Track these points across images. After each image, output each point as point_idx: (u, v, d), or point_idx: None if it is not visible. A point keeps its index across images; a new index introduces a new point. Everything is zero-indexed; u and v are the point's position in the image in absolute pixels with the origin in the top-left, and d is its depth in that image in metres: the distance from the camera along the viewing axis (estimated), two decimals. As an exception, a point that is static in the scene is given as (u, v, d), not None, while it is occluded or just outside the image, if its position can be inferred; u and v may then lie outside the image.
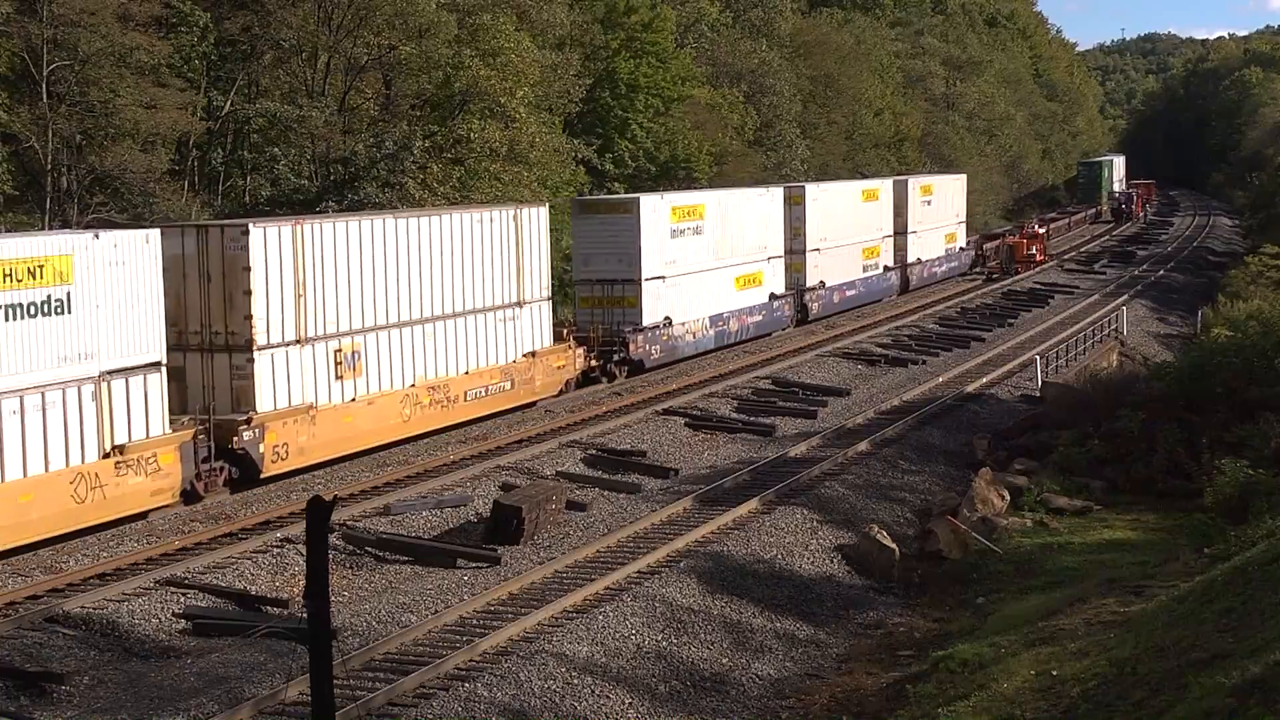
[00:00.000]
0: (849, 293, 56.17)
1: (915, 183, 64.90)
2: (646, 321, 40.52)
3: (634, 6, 58.12)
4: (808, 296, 52.00)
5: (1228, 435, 30.42)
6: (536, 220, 35.85)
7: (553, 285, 37.97)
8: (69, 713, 17.78)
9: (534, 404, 35.84)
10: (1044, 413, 36.76)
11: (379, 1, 41.94)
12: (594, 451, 31.81)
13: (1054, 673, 17.59)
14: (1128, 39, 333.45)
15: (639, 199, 41.08)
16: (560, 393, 37.15)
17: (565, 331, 37.82)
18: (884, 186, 60.65)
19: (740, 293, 46.35)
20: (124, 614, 20.79)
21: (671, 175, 57.34)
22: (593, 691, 19.29)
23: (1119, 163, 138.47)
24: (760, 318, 47.83)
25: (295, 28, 42.43)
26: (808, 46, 79.91)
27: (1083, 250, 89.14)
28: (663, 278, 41.22)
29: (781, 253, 49.58)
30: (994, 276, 70.86)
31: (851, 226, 55.87)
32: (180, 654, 19.92)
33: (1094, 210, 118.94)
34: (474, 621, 21.27)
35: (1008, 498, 29.51)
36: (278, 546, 24.06)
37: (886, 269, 60.30)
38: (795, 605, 23.99)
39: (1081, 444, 32.67)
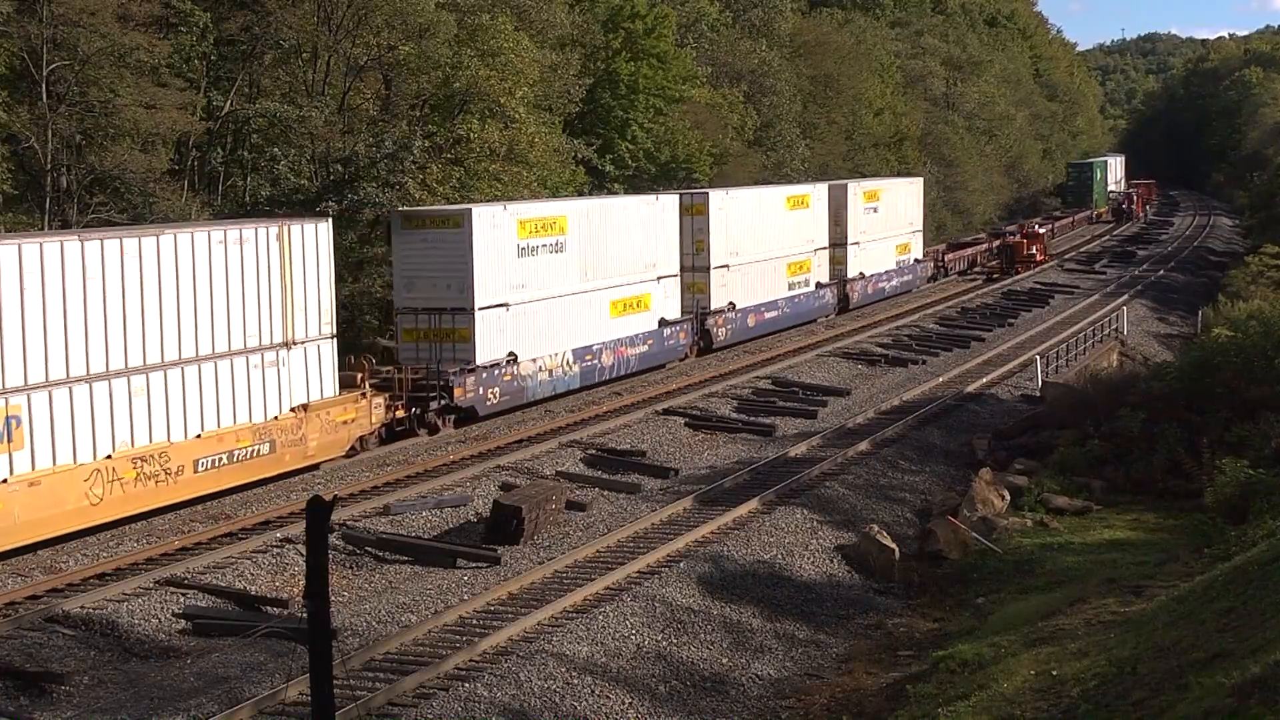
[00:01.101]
0: (769, 315, 48.92)
1: (857, 188, 57.66)
2: (482, 359, 33.51)
3: (638, 11, 58.09)
4: (712, 321, 44.82)
5: (1228, 435, 30.43)
6: (313, 240, 29.09)
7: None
8: (69, 713, 17.79)
9: (314, 469, 29.24)
10: (1044, 413, 36.76)
11: (378, 1, 41.91)
12: (594, 451, 31.82)
13: (1054, 673, 17.59)
14: (1128, 39, 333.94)
15: (471, 210, 33.83)
16: (351, 452, 30.24)
17: (360, 376, 30.50)
18: (815, 193, 53.22)
19: (618, 320, 39.05)
20: (124, 614, 20.80)
21: (672, 175, 57.30)
22: (592, 691, 19.30)
23: (1115, 163, 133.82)
24: (646, 348, 40.72)
25: (295, 28, 42.39)
26: (808, 46, 79.86)
27: (1083, 250, 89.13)
28: (505, 305, 34.37)
29: (677, 271, 42.60)
30: (994, 276, 70.86)
31: (774, 238, 49.02)
32: (180, 654, 19.93)
33: (1086, 214, 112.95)
34: (474, 621, 21.29)
35: (1008, 498, 29.51)
36: (278, 546, 24.07)
37: (819, 286, 53.17)
38: (795, 605, 23.99)
39: (1081, 444, 32.68)
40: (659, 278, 41.64)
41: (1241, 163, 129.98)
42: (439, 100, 44.78)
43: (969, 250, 76.45)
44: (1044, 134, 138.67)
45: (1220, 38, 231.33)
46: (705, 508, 28.02)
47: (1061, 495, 30.21)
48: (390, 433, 31.86)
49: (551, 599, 22.13)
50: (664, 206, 42.00)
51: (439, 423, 32.98)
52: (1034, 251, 74.54)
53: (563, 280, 36.77)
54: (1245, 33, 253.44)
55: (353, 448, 30.33)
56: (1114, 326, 52.27)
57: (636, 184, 55.84)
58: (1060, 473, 31.71)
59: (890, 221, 61.11)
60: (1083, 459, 32.12)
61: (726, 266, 45.77)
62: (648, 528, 26.51)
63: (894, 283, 61.93)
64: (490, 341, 33.95)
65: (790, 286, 50.83)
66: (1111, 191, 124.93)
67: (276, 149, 42.26)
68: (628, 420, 35.00)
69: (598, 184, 53.67)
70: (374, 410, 30.65)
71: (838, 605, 24.46)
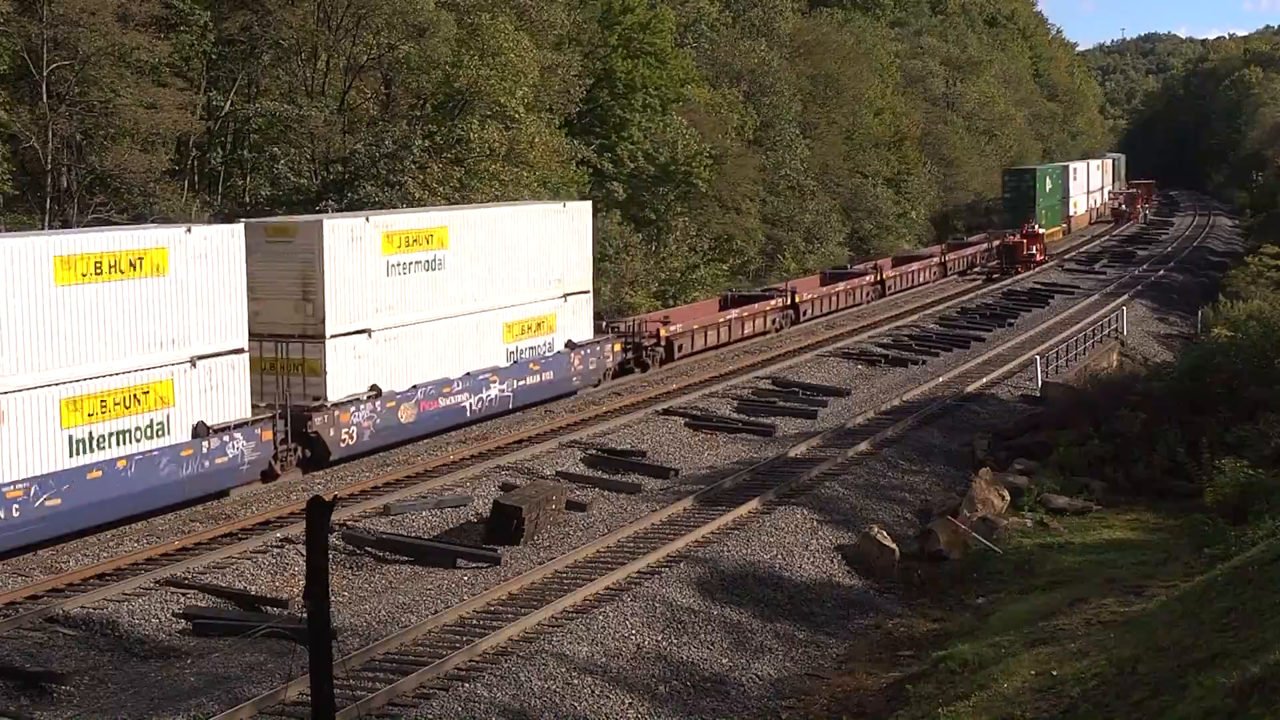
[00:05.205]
0: None
1: (364, 229, 29.82)
2: None
3: (630, 6, 58.05)
4: None
5: (1228, 435, 30.43)
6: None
7: None
8: (69, 713, 17.79)
9: None
10: (1044, 413, 36.76)
11: (378, 1, 41.92)
12: (594, 451, 31.80)
13: (1054, 673, 17.60)
14: (1128, 39, 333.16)
15: None
16: None
17: None
18: (190, 244, 25.64)
19: None
20: (124, 614, 20.81)
21: (671, 176, 57.23)
22: (593, 692, 19.31)
23: (1087, 168, 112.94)
24: None
25: (295, 27, 42.43)
26: (808, 46, 79.89)
27: (1083, 251, 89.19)
28: None
29: None
30: (994, 276, 70.86)
31: None
32: (180, 654, 19.93)
33: (997, 244, 76.76)
34: (474, 621, 21.29)
35: (1008, 498, 29.51)
36: (278, 546, 24.07)
37: (210, 434, 25.86)
38: (795, 605, 23.99)
39: (1081, 444, 32.68)
40: None
41: (1241, 163, 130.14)
42: (439, 100, 44.81)
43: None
44: (1044, 134, 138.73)
45: (1220, 38, 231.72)
46: (705, 508, 28.02)
47: (1061, 495, 30.21)
48: None
49: (552, 599, 22.12)
50: None
51: None
52: (1034, 251, 74.54)
53: None
54: (1245, 33, 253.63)
55: None
56: (1114, 326, 52.27)
57: (636, 184, 55.86)
58: (1060, 473, 31.71)
59: (485, 285, 33.74)
60: (1082, 459, 32.13)
61: None
62: (648, 528, 26.50)
63: (494, 392, 33.72)
64: None
65: (84, 447, 23.63)
66: (1114, 193, 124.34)
67: (276, 149, 42.30)
68: (628, 420, 34.98)
69: (598, 184, 53.68)
70: None
71: (838, 605, 24.46)
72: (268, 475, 27.70)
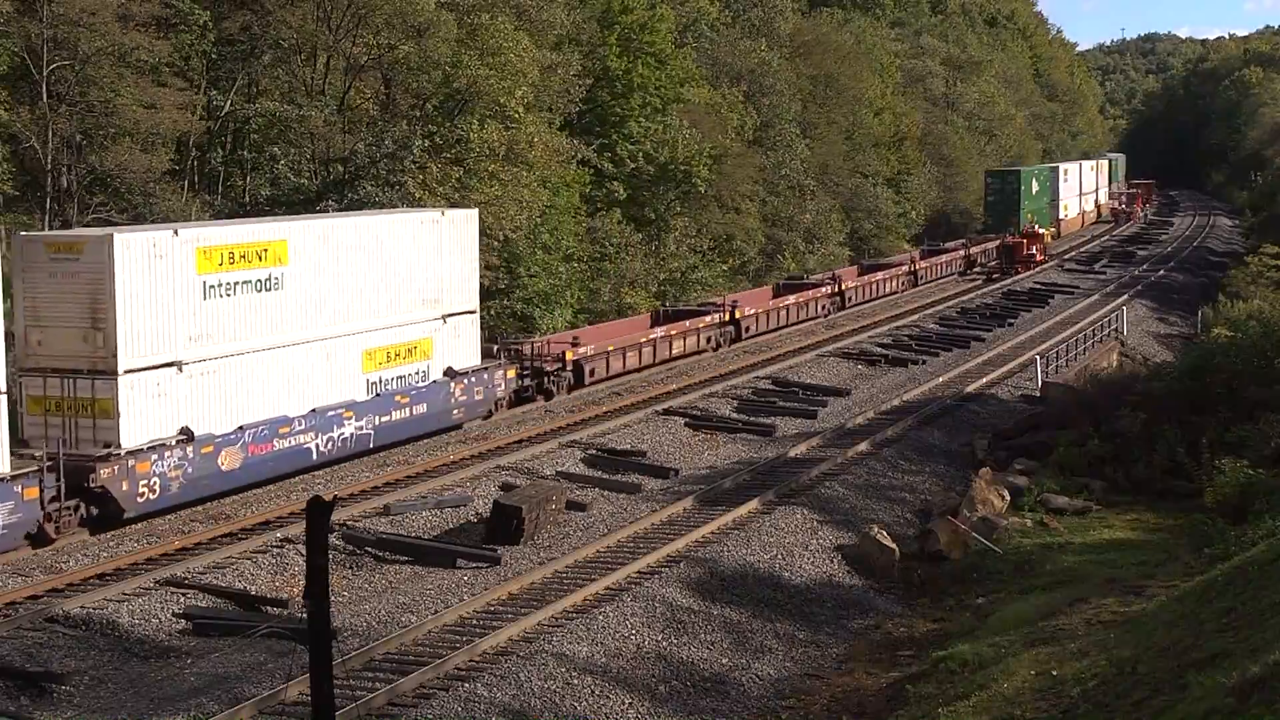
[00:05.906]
0: None
1: (149, 243, 25.14)
2: None
3: (630, 6, 58.02)
4: None
5: (1228, 435, 30.43)
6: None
7: None
8: (69, 713, 17.79)
9: None
10: (1044, 413, 36.77)
11: (378, 1, 41.90)
12: (594, 451, 31.81)
13: (1054, 673, 17.60)
14: (1128, 39, 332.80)
15: None
16: None
17: None
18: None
19: None
20: (124, 614, 20.81)
21: (671, 176, 57.17)
22: (593, 692, 19.31)
23: (1077, 170, 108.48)
24: None
25: (295, 27, 42.40)
26: (807, 46, 79.87)
27: (1083, 250, 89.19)
28: None
29: None
30: (994, 276, 70.84)
31: None
32: (180, 654, 19.93)
33: (995, 245, 75.14)
34: (474, 621, 21.29)
35: (1008, 498, 29.51)
36: (278, 546, 24.08)
37: None
38: (795, 605, 24.00)
39: (1081, 444, 32.70)
40: None
41: (1241, 163, 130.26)
42: (439, 100, 44.78)
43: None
44: (1044, 134, 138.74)
45: (1220, 38, 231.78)
46: (705, 508, 28.02)
47: (1061, 495, 30.22)
48: None
49: (552, 599, 22.13)
50: None
51: None
52: (1034, 251, 74.51)
53: None
54: (1245, 33, 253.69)
55: None
56: (1114, 326, 52.27)
57: (636, 184, 55.77)
58: (1060, 473, 31.72)
59: (338, 307, 29.54)
60: (1082, 459, 32.14)
61: None
62: (648, 528, 26.51)
63: (349, 430, 29.36)
64: None
65: None
66: (1113, 193, 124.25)
67: (276, 149, 42.28)
68: (628, 420, 34.98)
69: (598, 184, 53.61)
70: None
71: (838, 605, 24.46)
72: (38, 540, 23.20)
